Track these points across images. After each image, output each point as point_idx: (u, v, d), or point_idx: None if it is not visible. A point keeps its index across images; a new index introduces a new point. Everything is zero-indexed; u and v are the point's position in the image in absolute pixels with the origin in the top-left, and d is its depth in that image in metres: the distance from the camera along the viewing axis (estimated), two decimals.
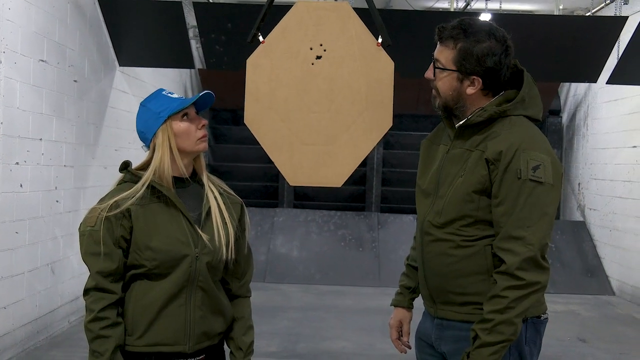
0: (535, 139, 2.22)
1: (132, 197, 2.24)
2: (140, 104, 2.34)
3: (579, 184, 10.40)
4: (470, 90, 2.27)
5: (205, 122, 2.32)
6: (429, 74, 2.33)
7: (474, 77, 2.25)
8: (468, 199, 2.23)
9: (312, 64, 3.07)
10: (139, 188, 2.25)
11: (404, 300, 2.63)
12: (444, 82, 2.29)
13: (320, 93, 3.05)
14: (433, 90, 2.35)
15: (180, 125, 2.28)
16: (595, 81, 7.26)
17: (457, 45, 2.24)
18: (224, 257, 2.31)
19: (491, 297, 2.17)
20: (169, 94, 2.31)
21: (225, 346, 2.46)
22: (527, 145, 2.18)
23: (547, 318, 2.34)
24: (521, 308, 2.15)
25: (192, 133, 2.29)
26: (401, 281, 2.67)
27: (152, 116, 2.29)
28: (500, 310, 2.13)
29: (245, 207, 2.48)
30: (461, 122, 2.31)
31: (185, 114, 2.29)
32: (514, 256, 2.13)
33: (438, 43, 2.30)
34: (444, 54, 2.27)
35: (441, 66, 2.28)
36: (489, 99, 2.30)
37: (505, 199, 2.16)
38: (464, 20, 2.27)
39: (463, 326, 2.29)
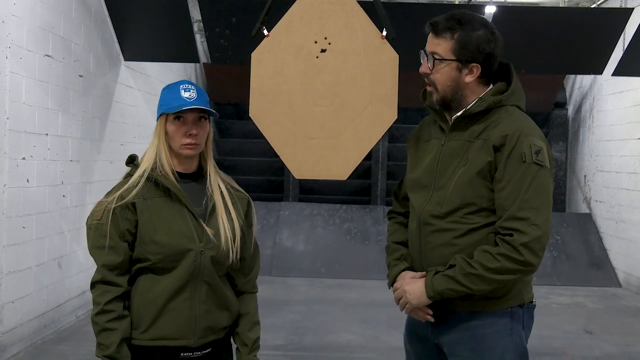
0: (532, 126, 2.30)
1: (135, 187, 2.27)
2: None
3: (584, 176, 10.38)
4: (468, 79, 2.31)
5: (194, 132, 2.29)
6: (424, 68, 2.36)
7: (473, 64, 2.30)
8: (472, 184, 2.26)
9: (317, 57, 3.07)
10: (139, 178, 2.28)
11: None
12: (443, 74, 2.32)
13: (324, 87, 3.05)
14: (428, 86, 2.38)
15: (169, 125, 2.31)
16: (600, 73, 7.25)
17: (454, 36, 2.28)
18: (229, 252, 2.32)
19: (485, 251, 2.21)
20: (184, 90, 2.31)
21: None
22: (527, 131, 2.25)
23: (536, 303, 2.40)
24: (503, 279, 2.20)
25: (178, 138, 2.30)
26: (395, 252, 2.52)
27: (158, 104, 2.36)
28: (487, 268, 2.18)
29: (252, 203, 2.48)
30: (458, 114, 2.34)
31: (180, 117, 2.30)
32: (521, 235, 2.17)
33: (432, 37, 2.34)
34: (441, 45, 2.30)
35: (440, 57, 2.30)
36: (484, 88, 2.36)
37: (509, 182, 2.20)
38: (455, 12, 2.33)
39: (462, 317, 2.31)
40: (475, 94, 2.34)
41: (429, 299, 2.29)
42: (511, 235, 2.18)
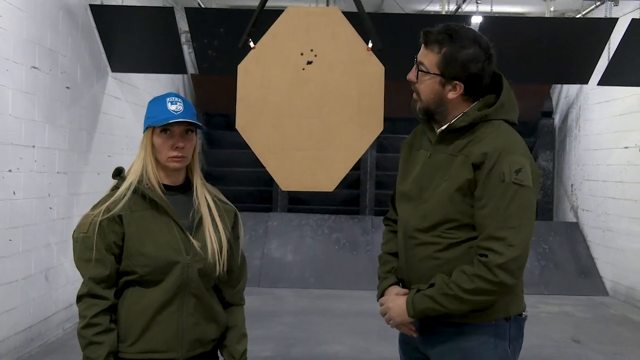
0: (516, 143, 2.25)
1: (122, 199, 2.26)
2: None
3: (571, 185, 10.43)
4: (451, 95, 2.29)
5: (181, 144, 2.29)
6: (411, 76, 2.35)
7: (456, 82, 2.27)
8: (452, 200, 2.24)
9: (303, 69, 3.08)
10: (125, 190, 2.28)
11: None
12: (426, 86, 2.30)
13: (311, 98, 3.06)
14: (414, 94, 2.36)
15: (156, 138, 2.30)
16: (586, 83, 7.29)
17: (442, 50, 2.25)
18: (216, 264, 2.32)
19: (461, 272, 2.20)
20: (171, 102, 2.31)
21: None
22: (509, 149, 2.21)
23: (527, 316, 2.37)
24: (480, 300, 2.18)
25: (164, 151, 2.30)
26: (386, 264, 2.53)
27: (145, 116, 2.35)
28: (463, 289, 2.17)
29: (239, 216, 2.48)
30: (443, 127, 2.33)
31: (167, 129, 2.29)
32: (497, 256, 2.15)
33: (423, 46, 2.32)
34: (428, 57, 2.29)
35: (425, 69, 2.29)
36: (469, 104, 2.32)
37: (489, 201, 2.18)
38: (450, 25, 2.29)
39: (448, 328, 2.30)
40: (459, 110, 2.31)
41: (411, 317, 2.29)
42: (486, 256, 2.16)
